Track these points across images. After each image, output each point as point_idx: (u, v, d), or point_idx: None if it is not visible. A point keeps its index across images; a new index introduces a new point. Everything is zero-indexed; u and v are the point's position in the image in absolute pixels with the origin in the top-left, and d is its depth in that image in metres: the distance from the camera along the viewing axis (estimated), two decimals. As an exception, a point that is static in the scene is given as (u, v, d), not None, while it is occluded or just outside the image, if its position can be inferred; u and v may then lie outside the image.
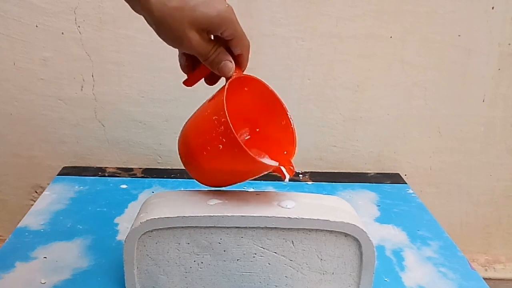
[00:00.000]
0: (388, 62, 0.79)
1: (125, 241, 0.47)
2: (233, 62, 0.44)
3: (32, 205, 0.70)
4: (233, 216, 0.46)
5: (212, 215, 0.46)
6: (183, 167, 0.89)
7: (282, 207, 0.47)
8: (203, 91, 0.81)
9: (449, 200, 0.90)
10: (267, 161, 0.46)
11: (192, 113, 0.49)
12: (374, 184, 0.80)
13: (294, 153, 0.47)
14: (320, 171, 0.84)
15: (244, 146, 0.42)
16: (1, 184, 0.88)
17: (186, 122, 0.49)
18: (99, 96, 0.81)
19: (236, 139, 0.42)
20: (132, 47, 0.77)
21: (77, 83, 0.80)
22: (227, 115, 0.42)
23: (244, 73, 0.46)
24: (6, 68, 0.79)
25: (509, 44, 0.78)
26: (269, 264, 0.48)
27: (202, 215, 0.46)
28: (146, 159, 0.86)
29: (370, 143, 0.86)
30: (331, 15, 0.76)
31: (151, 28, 0.70)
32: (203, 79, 0.47)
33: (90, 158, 0.86)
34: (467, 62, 0.80)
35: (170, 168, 0.85)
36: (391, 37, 0.78)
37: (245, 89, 0.47)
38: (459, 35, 0.78)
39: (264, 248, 0.48)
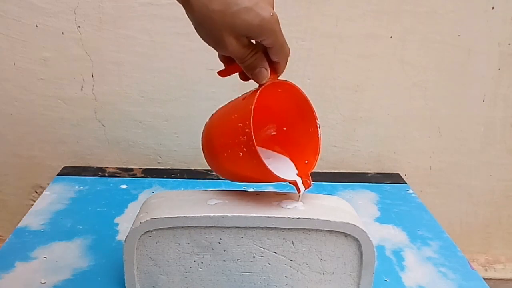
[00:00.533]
0: (388, 62, 0.79)
1: (125, 241, 0.47)
2: (268, 69, 0.43)
3: (32, 205, 0.70)
4: (233, 216, 0.46)
5: (212, 215, 0.46)
6: (183, 167, 0.89)
7: (282, 207, 0.47)
8: (203, 90, 0.81)
9: (449, 200, 0.90)
10: (284, 175, 0.45)
11: (223, 105, 0.48)
12: (374, 184, 0.80)
13: (314, 165, 0.47)
14: (320, 171, 0.84)
15: (264, 161, 0.42)
16: (1, 184, 0.88)
17: (214, 114, 0.49)
18: (99, 96, 0.81)
19: (256, 153, 0.41)
20: (132, 47, 0.77)
21: (77, 83, 0.80)
22: (252, 128, 0.41)
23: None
24: (6, 68, 0.79)
25: (509, 44, 0.78)
26: (269, 264, 0.48)
27: (202, 215, 0.46)
28: (146, 159, 0.86)
29: (370, 143, 0.86)
30: (331, 15, 0.76)
31: (151, 28, 0.70)
32: (237, 73, 0.46)
33: (90, 158, 0.86)
34: (467, 62, 0.80)
35: (170, 168, 0.85)
36: (391, 37, 0.78)
37: (279, 90, 0.46)
38: (459, 35, 0.78)
39: (264, 248, 0.48)
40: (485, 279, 0.57)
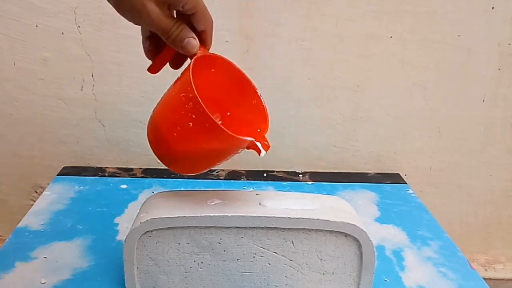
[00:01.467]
0: (388, 62, 0.79)
1: (125, 241, 0.47)
2: (197, 39, 0.43)
3: (32, 205, 0.70)
4: (233, 216, 0.46)
5: (212, 215, 0.46)
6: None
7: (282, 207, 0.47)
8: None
9: (449, 200, 0.90)
10: (240, 136, 0.44)
11: (159, 100, 0.48)
12: (374, 184, 0.80)
13: (267, 129, 0.46)
14: (320, 171, 0.84)
15: (214, 120, 0.41)
16: (1, 184, 0.88)
17: (153, 109, 0.47)
18: (99, 96, 0.81)
19: (206, 113, 0.40)
20: (132, 47, 0.77)
21: (77, 83, 0.80)
22: (195, 89, 0.40)
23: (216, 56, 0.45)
24: (6, 68, 0.79)
25: (509, 44, 0.78)
26: (269, 264, 0.48)
27: (202, 215, 0.46)
28: (146, 159, 0.86)
29: (370, 143, 0.86)
30: (331, 15, 0.76)
31: (151, 28, 0.68)
32: (168, 64, 0.46)
33: (90, 158, 0.86)
34: (467, 62, 0.80)
35: (170, 168, 0.85)
36: (391, 37, 0.78)
37: (212, 70, 0.46)
38: (459, 35, 0.78)
39: (264, 248, 0.48)
40: (485, 279, 0.57)
